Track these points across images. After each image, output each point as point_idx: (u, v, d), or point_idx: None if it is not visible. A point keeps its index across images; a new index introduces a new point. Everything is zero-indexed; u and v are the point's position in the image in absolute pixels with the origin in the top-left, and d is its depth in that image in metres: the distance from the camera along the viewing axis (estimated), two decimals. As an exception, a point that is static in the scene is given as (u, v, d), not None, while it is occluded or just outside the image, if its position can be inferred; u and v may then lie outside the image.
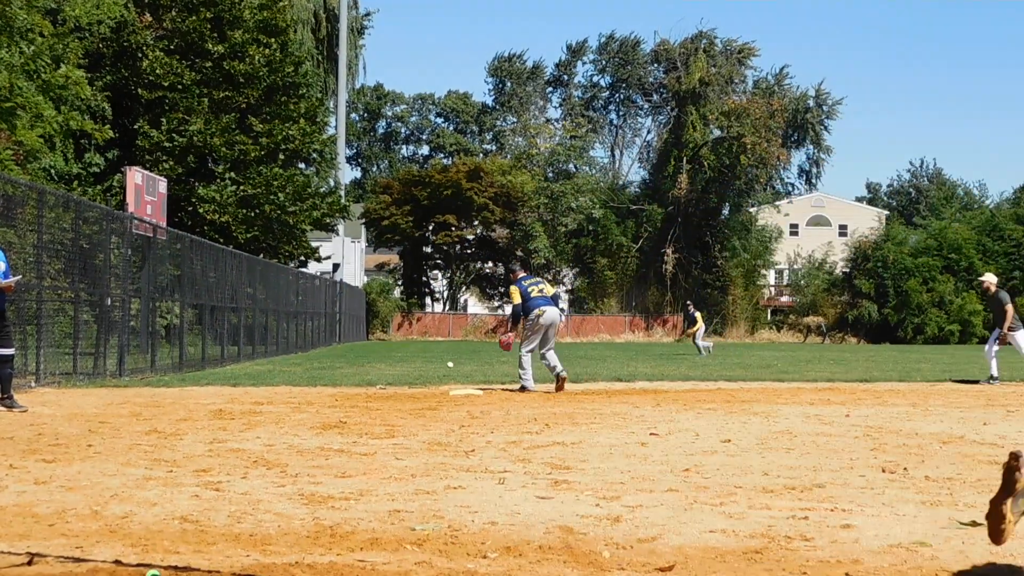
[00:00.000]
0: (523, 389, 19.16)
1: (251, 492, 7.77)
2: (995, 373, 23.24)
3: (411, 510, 7.10)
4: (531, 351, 19.36)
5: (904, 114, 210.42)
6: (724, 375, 24.48)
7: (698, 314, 41.66)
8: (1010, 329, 23.46)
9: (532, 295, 19.46)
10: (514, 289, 19.69)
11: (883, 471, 9.12)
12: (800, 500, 7.61)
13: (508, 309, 19.32)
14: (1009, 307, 23.57)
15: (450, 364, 27.29)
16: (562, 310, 21.02)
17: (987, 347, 23.79)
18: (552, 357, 19.38)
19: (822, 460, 9.82)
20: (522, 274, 20.22)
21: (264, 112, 40.82)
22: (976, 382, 23.18)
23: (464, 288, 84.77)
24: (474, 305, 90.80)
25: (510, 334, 20.01)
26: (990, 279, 24.29)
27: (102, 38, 37.97)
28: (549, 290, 19.86)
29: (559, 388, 19.00)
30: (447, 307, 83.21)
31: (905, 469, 9.23)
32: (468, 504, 7.32)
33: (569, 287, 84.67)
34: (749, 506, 7.34)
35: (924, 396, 18.89)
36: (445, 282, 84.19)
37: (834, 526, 6.65)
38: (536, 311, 19.41)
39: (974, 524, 6.71)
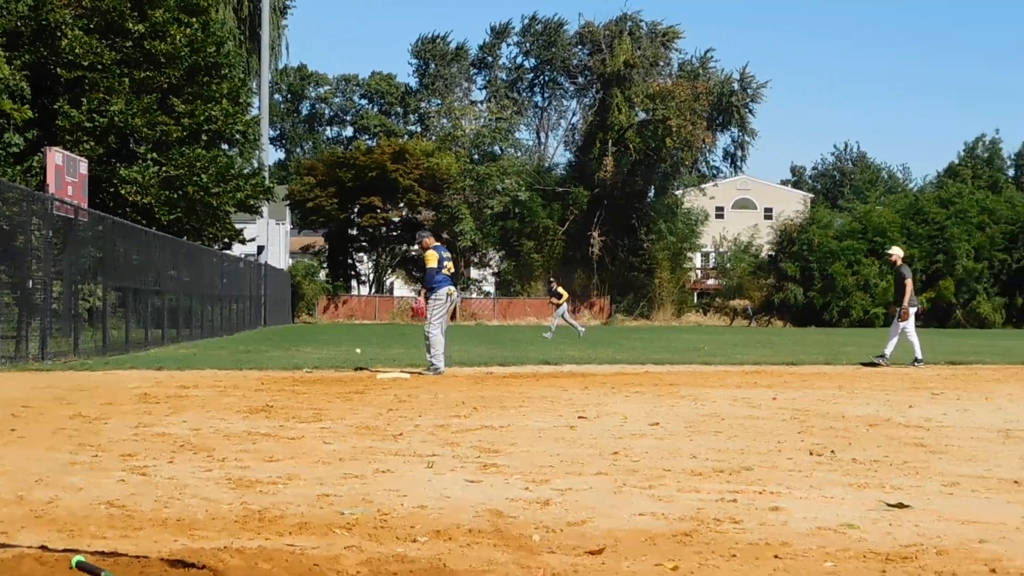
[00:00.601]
0: (434, 371, 19.06)
1: (178, 477, 7.70)
2: (919, 355, 23.33)
3: (340, 494, 7.06)
4: (441, 329, 19.32)
5: (828, 98, 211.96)
6: (652, 358, 24.55)
7: (562, 290, 41.36)
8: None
9: (442, 271, 19.46)
10: (432, 254, 19.59)
11: (811, 454, 9.17)
12: (729, 483, 7.63)
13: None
14: (908, 283, 23.68)
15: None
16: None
17: (904, 328, 23.66)
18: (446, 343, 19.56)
19: (750, 443, 9.87)
20: (436, 242, 20.18)
21: (186, 92, 40.39)
22: (874, 364, 23.27)
23: (390, 271, 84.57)
24: (400, 288, 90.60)
25: (422, 300, 19.91)
26: (897, 252, 24.44)
27: (20, 16, 37.39)
28: (452, 267, 19.91)
29: (425, 372, 19.02)
30: (373, 290, 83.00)
31: (832, 452, 9.28)
32: (397, 488, 7.29)
33: (495, 270, 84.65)
34: (678, 489, 7.36)
35: (850, 379, 19.04)
36: (371, 265, 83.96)
37: (763, 509, 6.68)
38: (446, 289, 19.42)
39: (901, 506, 6.75)
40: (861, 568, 5.18)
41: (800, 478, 7.88)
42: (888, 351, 23.30)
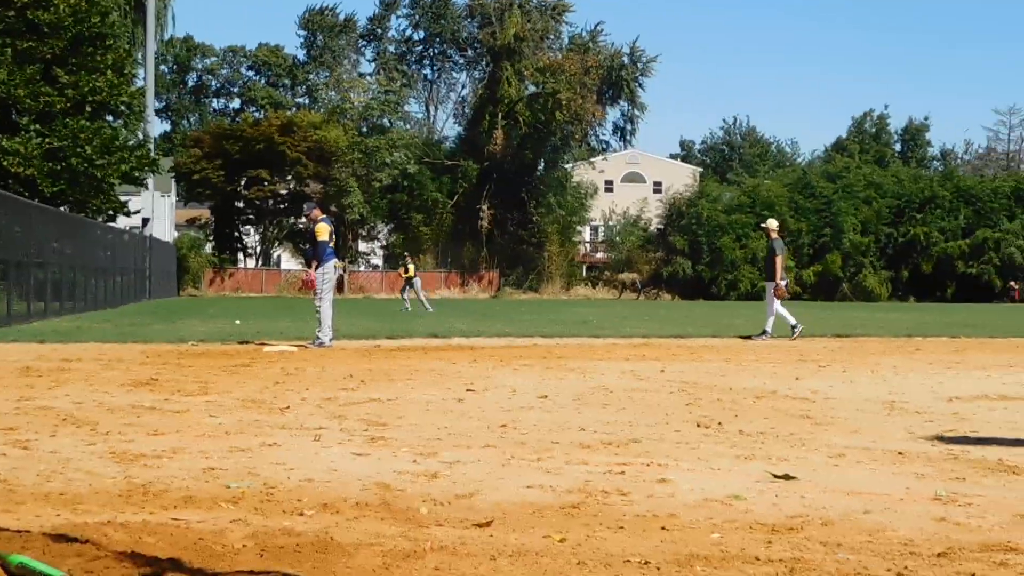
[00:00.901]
0: (319, 343, 18.98)
1: (60, 451, 7.58)
2: (768, 328, 23.39)
3: (226, 468, 6.98)
4: (330, 302, 19.27)
5: (717, 72, 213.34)
6: (540, 331, 24.59)
7: (411, 266, 41.09)
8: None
9: (330, 245, 19.44)
10: (324, 226, 19.51)
11: (698, 426, 9.22)
12: (617, 455, 7.65)
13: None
14: (779, 258, 23.88)
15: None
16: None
17: (773, 305, 23.76)
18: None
19: (638, 415, 9.91)
20: (323, 214, 20.13)
21: (70, 63, 39.78)
22: (749, 337, 23.46)
23: (277, 243, 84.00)
24: (287, 261, 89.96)
25: (312, 273, 19.77)
26: (772, 223, 24.59)
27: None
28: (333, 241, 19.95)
29: (310, 345, 18.98)
30: (260, 263, 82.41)
31: (719, 424, 9.35)
32: (284, 461, 7.23)
33: (384, 243, 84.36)
34: (566, 461, 7.36)
35: (738, 352, 19.20)
36: (258, 237, 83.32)
37: (650, 481, 6.70)
38: (334, 262, 19.36)
39: (787, 477, 6.81)
40: (747, 539, 5.21)
41: (687, 450, 7.92)
42: (769, 327, 23.45)
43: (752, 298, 69.45)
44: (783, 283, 23.78)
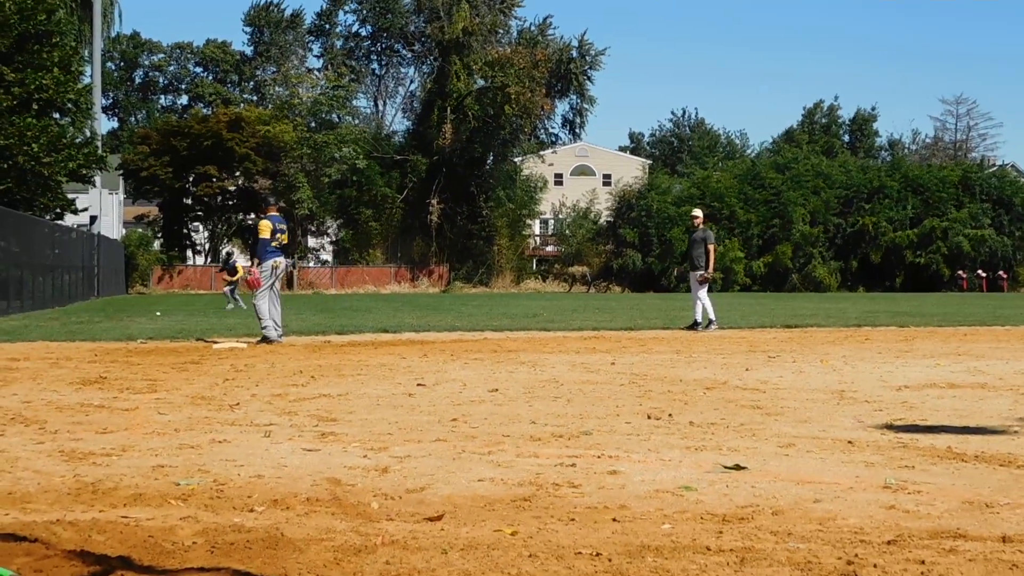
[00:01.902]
0: (266, 340, 18.94)
1: (8, 449, 7.54)
2: (712, 316, 23.47)
3: (175, 465, 6.96)
4: (266, 299, 19.18)
5: (666, 64, 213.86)
6: (490, 325, 24.61)
7: (239, 265, 39.96)
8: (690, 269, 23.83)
9: (272, 244, 19.36)
10: (265, 224, 19.49)
11: (648, 417, 9.25)
12: (567, 448, 7.67)
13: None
14: (713, 247, 24.03)
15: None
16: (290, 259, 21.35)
17: (699, 293, 23.77)
18: (277, 314, 19.45)
19: (588, 408, 9.93)
20: (273, 211, 20.20)
21: (16, 61, 39.50)
22: (694, 327, 23.50)
23: (226, 240, 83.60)
24: (237, 257, 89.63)
25: (256, 270, 19.66)
26: (699, 213, 24.63)
27: None
28: (285, 239, 19.93)
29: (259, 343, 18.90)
30: (209, 259, 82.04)
31: (670, 415, 9.37)
32: (233, 458, 7.21)
33: (333, 239, 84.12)
34: (517, 455, 7.37)
35: (688, 343, 19.26)
36: (207, 234, 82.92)
37: (601, 472, 6.71)
38: (273, 262, 19.32)
39: (738, 468, 6.84)
40: (698, 529, 5.23)
41: (638, 442, 7.94)
42: (712, 315, 23.51)
43: (702, 290, 69.53)
44: (709, 272, 23.84)
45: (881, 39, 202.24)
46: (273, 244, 19.33)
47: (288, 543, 4.92)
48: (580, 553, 4.80)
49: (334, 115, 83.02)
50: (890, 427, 8.71)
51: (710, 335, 21.99)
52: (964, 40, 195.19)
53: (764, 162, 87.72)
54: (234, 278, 38.67)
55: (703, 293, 23.59)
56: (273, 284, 19.32)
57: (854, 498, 5.95)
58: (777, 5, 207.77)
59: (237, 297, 37.80)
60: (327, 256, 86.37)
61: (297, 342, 19.32)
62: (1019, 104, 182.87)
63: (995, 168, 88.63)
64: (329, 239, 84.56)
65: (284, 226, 19.96)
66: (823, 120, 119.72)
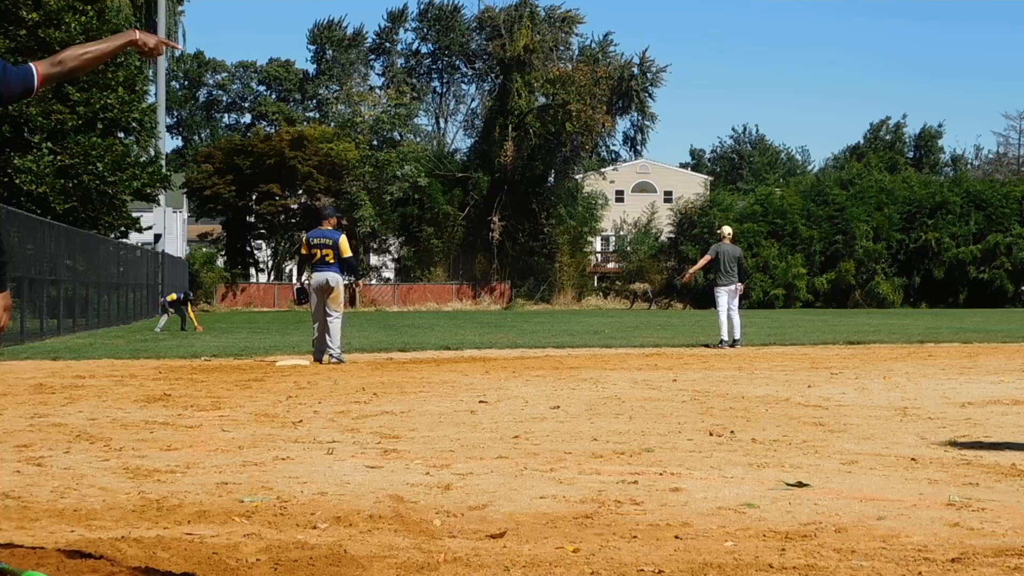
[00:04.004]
0: (316, 358, 18.73)
1: (74, 467, 7.60)
2: (725, 336, 23.17)
3: (239, 482, 7.00)
4: (315, 319, 18.97)
5: (726, 81, 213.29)
6: (552, 342, 24.60)
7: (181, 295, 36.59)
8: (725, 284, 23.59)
9: (312, 259, 18.94)
10: (305, 240, 19.30)
11: (710, 434, 9.22)
12: (629, 464, 7.66)
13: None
14: (707, 258, 23.97)
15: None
16: (355, 274, 20.47)
17: (732, 306, 23.48)
18: (333, 330, 18.75)
19: (650, 425, 9.91)
20: (326, 225, 19.35)
21: (82, 81, 39.88)
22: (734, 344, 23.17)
23: (289, 258, 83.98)
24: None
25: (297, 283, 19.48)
26: (728, 230, 24.46)
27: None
28: (329, 255, 18.87)
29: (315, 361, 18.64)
30: (272, 277, 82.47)
31: (732, 432, 9.35)
32: (297, 475, 7.24)
33: (395, 256, 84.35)
34: (579, 471, 7.37)
35: (750, 360, 19.18)
36: (269, 252, 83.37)
37: (663, 490, 6.70)
38: (307, 278, 19.10)
39: (800, 485, 6.81)
40: (761, 547, 5.21)
41: (700, 459, 7.92)
42: (738, 334, 23.24)
43: (765, 306, 69.28)
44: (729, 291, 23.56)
45: (943, 54, 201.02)
46: (314, 260, 18.95)
47: (351, 560, 4.94)
48: (642, 570, 4.80)
49: (396, 133, 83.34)
50: (954, 444, 8.65)
51: (775, 350, 21.90)
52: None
53: (829, 178, 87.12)
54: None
55: (734, 305, 23.37)
56: (318, 302, 18.76)
57: (918, 515, 5.91)
58: (835, 23, 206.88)
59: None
60: (389, 274, 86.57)
61: (360, 359, 19.36)
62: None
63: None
64: (391, 257, 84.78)
65: (326, 240, 18.91)
66: (888, 137, 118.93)
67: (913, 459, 7.86)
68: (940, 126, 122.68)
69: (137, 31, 5.13)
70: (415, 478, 7.13)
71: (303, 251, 19.29)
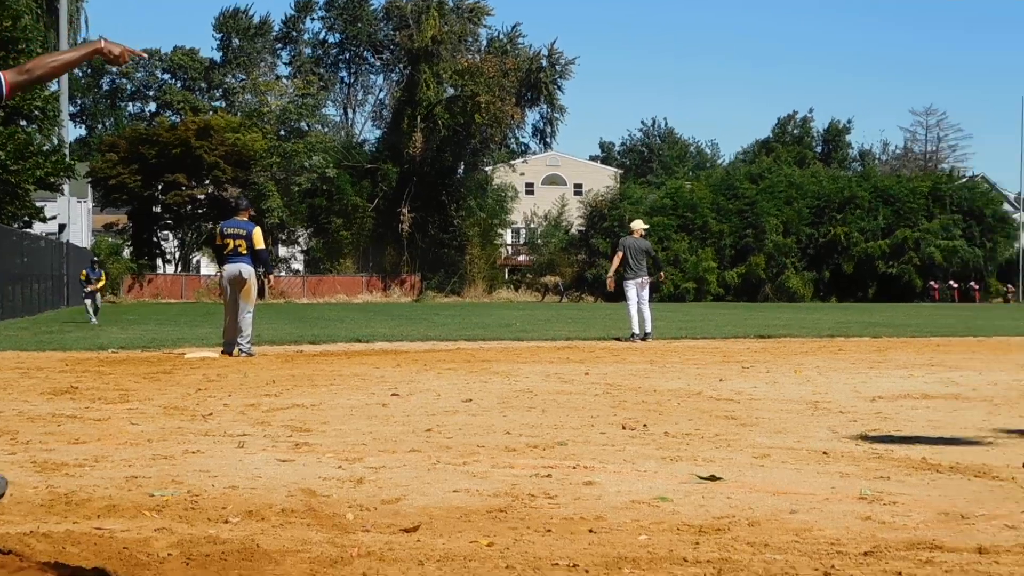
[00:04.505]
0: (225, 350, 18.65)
1: (-22, 462, 7.48)
2: (636, 329, 23.31)
3: (149, 476, 6.92)
4: (227, 311, 18.82)
5: (635, 74, 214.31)
6: (464, 335, 24.57)
7: (104, 272, 36.94)
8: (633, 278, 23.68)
9: (225, 250, 18.81)
10: (218, 230, 19.21)
11: (623, 428, 9.24)
12: (543, 458, 7.65)
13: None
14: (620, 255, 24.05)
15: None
16: (267, 267, 19.95)
17: (641, 298, 23.57)
18: (244, 323, 18.60)
19: (563, 418, 9.91)
20: (240, 216, 19.14)
21: (-17, 67, 39.34)
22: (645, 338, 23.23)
23: (196, 249, 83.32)
24: (207, 266, 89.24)
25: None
26: (641, 224, 24.56)
27: None
28: (242, 245, 18.70)
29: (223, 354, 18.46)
30: (179, 268, 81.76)
31: (645, 426, 9.37)
32: (207, 468, 7.17)
33: (304, 248, 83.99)
34: (492, 465, 7.36)
35: (662, 353, 19.25)
36: (176, 243, 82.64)
37: (577, 483, 6.70)
38: (220, 270, 18.99)
39: (713, 478, 6.84)
40: (675, 540, 5.22)
41: (613, 452, 7.93)
42: (649, 327, 23.34)
43: (675, 300, 69.56)
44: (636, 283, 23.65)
45: (851, 51, 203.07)
46: (227, 251, 18.75)
47: (263, 555, 4.90)
48: (557, 564, 4.79)
49: (303, 123, 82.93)
50: (865, 438, 8.72)
51: (687, 343, 22.03)
52: (934, 50, 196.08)
53: (738, 172, 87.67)
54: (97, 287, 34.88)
55: (643, 298, 23.44)
56: (231, 294, 18.69)
57: (830, 509, 5.95)
58: (747, 17, 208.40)
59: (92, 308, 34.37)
60: (298, 265, 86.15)
61: (270, 352, 19.24)
62: (988, 116, 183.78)
63: (965, 180, 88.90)
64: (300, 248, 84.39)
65: (240, 231, 18.74)
66: (795, 131, 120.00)
67: (825, 453, 7.92)
68: (849, 122, 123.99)
69: (103, 40, 5.16)
70: (327, 472, 7.08)
71: (216, 241, 19.15)
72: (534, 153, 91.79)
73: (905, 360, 17.69)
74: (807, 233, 77.75)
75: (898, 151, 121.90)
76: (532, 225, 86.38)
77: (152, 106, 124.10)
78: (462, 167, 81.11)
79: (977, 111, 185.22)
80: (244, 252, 18.66)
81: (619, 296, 24.79)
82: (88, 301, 33.54)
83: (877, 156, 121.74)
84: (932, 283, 76.79)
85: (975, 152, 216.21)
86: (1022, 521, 5.67)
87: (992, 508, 5.99)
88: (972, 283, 77.86)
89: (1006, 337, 25.05)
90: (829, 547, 5.07)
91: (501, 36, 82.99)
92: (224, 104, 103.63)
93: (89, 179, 75.95)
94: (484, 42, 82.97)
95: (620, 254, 23.98)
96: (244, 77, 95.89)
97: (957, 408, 10.86)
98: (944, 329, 28.05)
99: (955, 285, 77.35)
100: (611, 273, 24.87)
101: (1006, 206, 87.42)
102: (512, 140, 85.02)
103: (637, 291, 23.40)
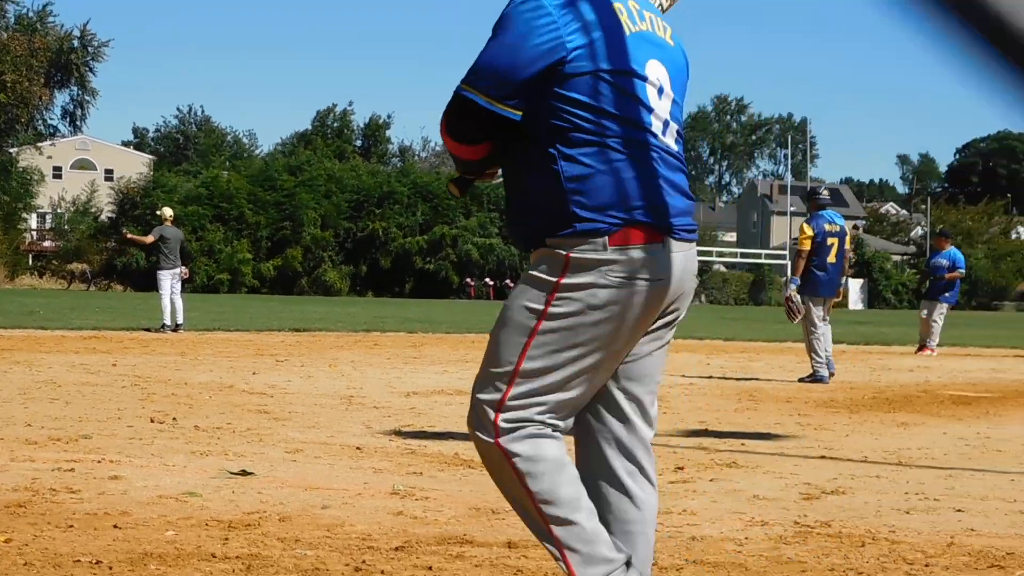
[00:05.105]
0: None
1: None
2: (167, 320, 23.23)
3: None
4: None
5: (171, 61, 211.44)
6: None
7: None
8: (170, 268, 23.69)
9: None
10: None
11: (152, 421, 9.06)
12: (66, 452, 7.42)
13: None
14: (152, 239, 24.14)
15: None
16: None
17: (174, 289, 23.40)
18: None
19: (88, 410, 9.63)
20: None
21: None
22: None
23: None
24: None
25: None
26: (168, 212, 24.49)
27: None
28: None
29: None
30: None
31: (174, 419, 9.21)
32: None
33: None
34: (12, 458, 7.09)
35: (193, 345, 19.02)
36: None
37: (102, 478, 6.52)
38: None
39: (244, 473, 6.77)
40: (204, 536, 5.12)
41: (141, 446, 7.77)
42: (180, 318, 23.20)
43: (209, 291, 68.77)
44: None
45: (388, 46, 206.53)
46: None
47: None
48: (79, 561, 4.62)
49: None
50: (399, 433, 8.82)
51: (220, 335, 21.83)
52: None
53: (277, 163, 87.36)
54: None
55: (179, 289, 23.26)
56: None
57: (362, 504, 5.97)
58: (280, 8, 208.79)
59: None
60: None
61: None
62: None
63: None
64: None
65: None
66: (335, 124, 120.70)
67: (358, 448, 7.95)
68: (389, 116, 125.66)
69: None
70: None
71: None
72: (63, 136, 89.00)
73: (439, 356, 18.05)
74: (346, 227, 78.24)
75: (439, 148, 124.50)
76: (59, 211, 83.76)
77: None
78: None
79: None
80: None
81: (150, 285, 24.37)
82: None
83: (417, 152, 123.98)
84: (469, 280, 78.66)
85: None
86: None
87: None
88: (508, 281, 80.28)
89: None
90: (361, 542, 5.08)
91: (31, 14, 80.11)
92: None
93: None
94: (12, 19, 79.89)
95: (152, 239, 23.68)
96: None
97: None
98: (478, 326, 28.65)
99: (491, 283, 79.50)
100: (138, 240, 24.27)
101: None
102: (40, 122, 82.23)
103: (172, 282, 23.04)
